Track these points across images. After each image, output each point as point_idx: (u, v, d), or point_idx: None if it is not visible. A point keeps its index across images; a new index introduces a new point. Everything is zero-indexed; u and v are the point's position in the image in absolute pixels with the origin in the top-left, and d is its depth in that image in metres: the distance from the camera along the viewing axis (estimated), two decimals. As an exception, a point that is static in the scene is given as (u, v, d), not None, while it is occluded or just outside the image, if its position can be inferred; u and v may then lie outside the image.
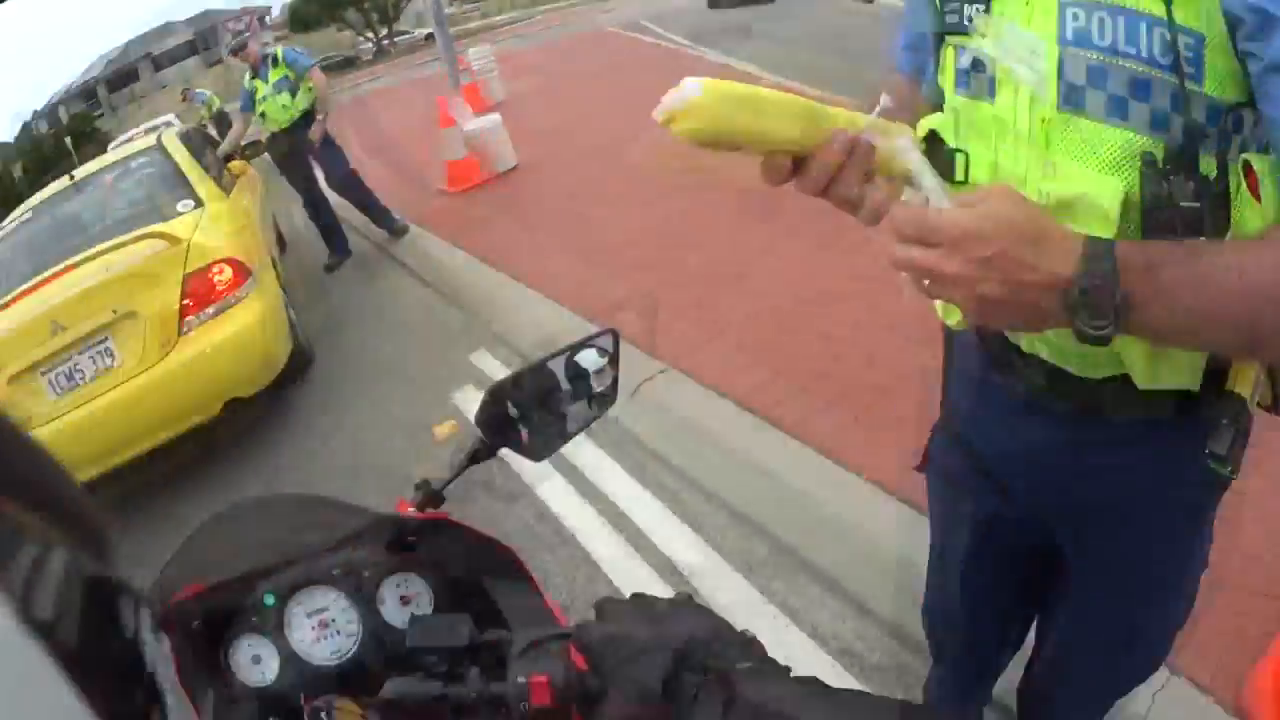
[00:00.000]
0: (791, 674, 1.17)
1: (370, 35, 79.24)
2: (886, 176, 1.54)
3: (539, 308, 7.68)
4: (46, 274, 6.97)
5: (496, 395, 1.90)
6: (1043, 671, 2.48)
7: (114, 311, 6.55)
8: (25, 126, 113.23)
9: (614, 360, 2.01)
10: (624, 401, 5.65)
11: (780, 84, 2.18)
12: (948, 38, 1.80)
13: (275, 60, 10.73)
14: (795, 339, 5.94)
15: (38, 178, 63.69)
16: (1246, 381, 1.63)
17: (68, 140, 44.81)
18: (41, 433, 6.47)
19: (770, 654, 1.22)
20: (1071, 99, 1.55)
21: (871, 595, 4.01)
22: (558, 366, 1.96)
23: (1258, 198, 1.49)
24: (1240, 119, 1.50)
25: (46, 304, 6.52)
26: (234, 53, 11.09)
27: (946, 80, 1.82)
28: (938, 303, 1.89)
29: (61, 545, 0.66)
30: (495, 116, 13.00)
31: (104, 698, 0.57)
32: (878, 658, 3.80)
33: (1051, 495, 2.01)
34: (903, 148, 1.44)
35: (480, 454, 1.92)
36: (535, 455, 1.95)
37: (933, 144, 1.77)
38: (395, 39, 76.97)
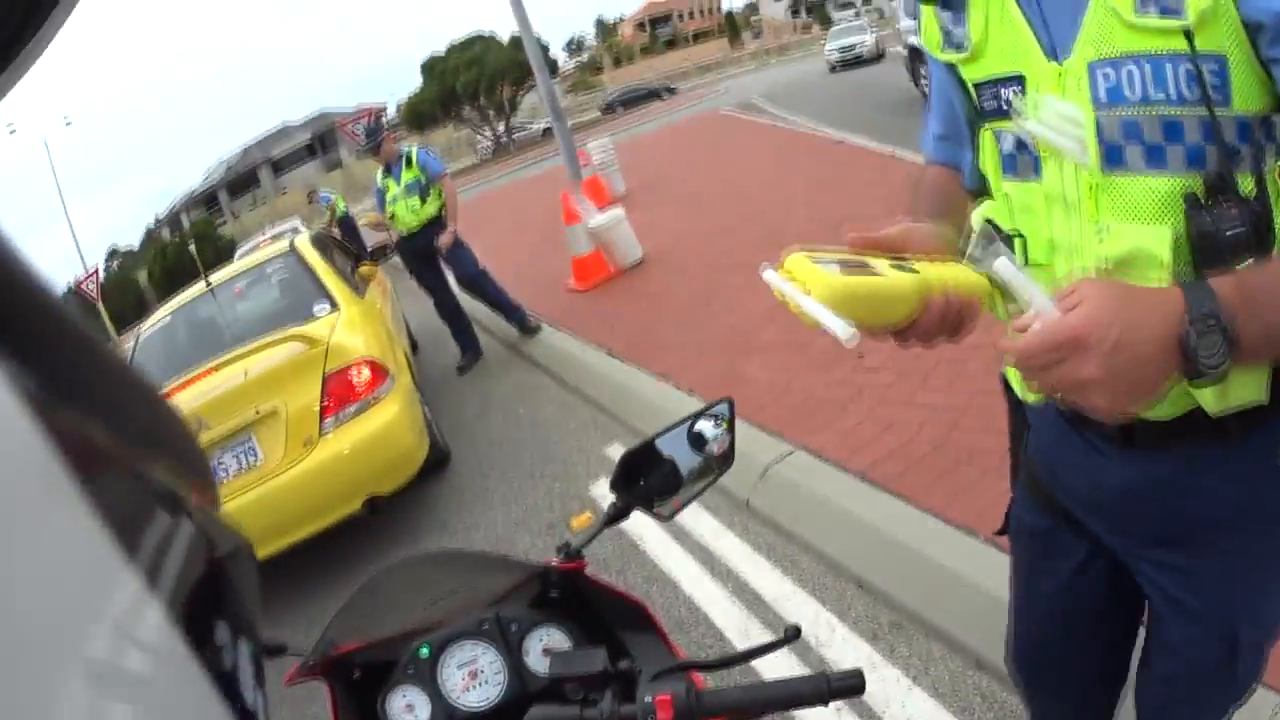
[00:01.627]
0: None
1: (488, 132, 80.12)
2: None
3: (670, 398, 7.75)
4: (189, 375, 7.20)
5: (628, 463, 2.03)
6: (1149, 698, 2.49)
7: (257, 411, 6.76)
8: (148, 233, 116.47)
9: (730, 427, 2.15)
10: (753, 483, 5.80)
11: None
12: (985, 123, 1.93)
13: (409, 161, 10.89)
14: (913, 411, 6.03)
15: (164, 284, 65.28)
16: None
17: (191, 247, 46.13)
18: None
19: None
20: (1113, 159, 1.67)
21: (990, 648, 4.08)
22: (679, 434, 2.10)
23: None
24: (1271, 127, 1.62)
25: (191, 403, 6.69)
26: (371, 150, 11.18)
27: (990, 166, 1.96)
28: (1014, 381, 2.14)
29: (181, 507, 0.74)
30: (618, 210, 13.13)
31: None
32: (995, 713, 3.90)
33: (1140, 533, 2.08)
34: (1001, 270, 1.53)
35: (616, 516, 2.06)
36: (663, 517, 2.09)
37: (990, 230, 1.86)
38: (514, 134, 77.72)
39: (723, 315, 9.28)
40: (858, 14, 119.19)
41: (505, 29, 74.05)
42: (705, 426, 2.12)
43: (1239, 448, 1.81)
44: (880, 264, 1.65)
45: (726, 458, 2.14)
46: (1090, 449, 2.03)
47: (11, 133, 72.48)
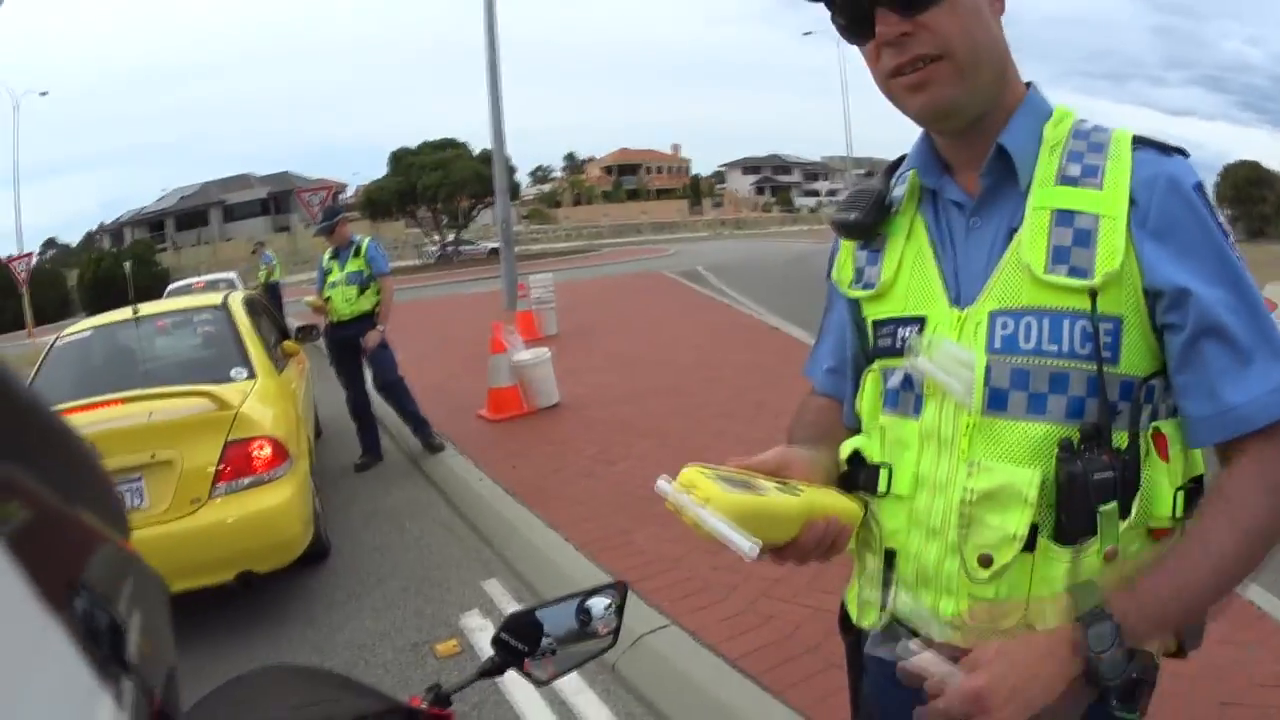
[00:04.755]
0: None
1: (437, 238, 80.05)
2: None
3: (557, 548, 7.74)
4: (95, 399, 7.10)
5: (512, 623, 2.06)
6: None
7: (153, 456, 6.71)
8: (89, 236, 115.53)
9: (619, 610, 2.17)
10: (623, 648, 5.74)
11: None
12: (877, 361, 2.05)
13: (358, 250, 10.98)
14: (795, 610, 6.05)
15: (91, 293, 64.74)
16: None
17: (127, 265, 46.11)
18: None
19: None
20: (995, 403, 1.78)
21: None
22: (569, 606, 2.12)
23: (1166, 459, 1.74)
24: (1152, 389, 1.76)
25: (89, 428, 6.53)
26: (326, 231, 11.26)
27: (869, 401, 2.05)
28: (852, 607, 2.15)
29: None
30: (545, 351, 13.26)
31: None
32: None
33: None
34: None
35: (490, 671, 2.06)
36: (537, 681, 2.10)
37: (855, 463, 2.02)
38: (460, 247, 77.77)
39: (625, 478, 9.31)
40: (819, 205, 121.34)
41: (478, 141, 73.99)
42: (595, 603, 2.16)
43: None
44: (767, 485, 1.75)
45: (610, 638, 2.17)
46: (918, 697, 1.96)
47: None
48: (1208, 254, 1.69)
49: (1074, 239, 1.72)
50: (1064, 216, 1.74)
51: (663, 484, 1.66)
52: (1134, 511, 1.72)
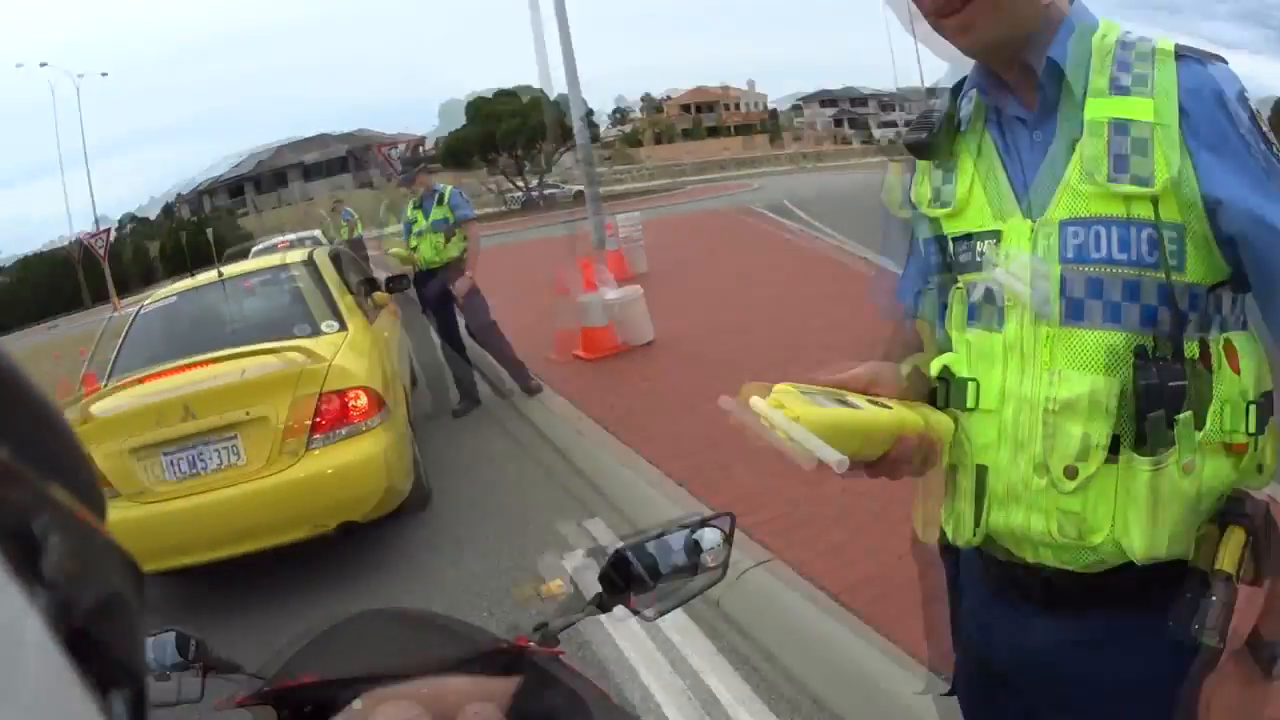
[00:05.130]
0: None
1: (520, 184, 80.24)
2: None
3: (658, 484, 7.73)
4: (188, 360, 7.20)
5: (618, 557, 2.01)
6: None
7: (247, 413, 6.76)
8: (167, 208, 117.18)
9: (728, 540, 2.10)
10: (728, 583, 5.67)
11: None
12: (960, 277, 2.07)
13: (441, 199, 10.99)
14: (896, 541, 5.93)
15: (174, 259, 65.58)
16: (1233, 560, 1.77)
17: (209, 231, 46.86)
18: (150, 510, 6.66)
19: None
20: (1073, 312, 1.84)
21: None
22: (677, 539, 2.07)
23: (1237, 371, 1.81)
24: (1220, 300, 1.84)
25: (183, 389, 6.72)
26: (406, 183, 11.35)
27: (955, 318, 2.07)
28: (947, 525, 2.17)
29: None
30: (637, 289, 13.18)
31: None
32: None
33: (1064, 691, 2.08)
34: None
35: (597, 608, 2.03)
36: (646, 618, 2.06)
37: (944, 379, 2.05)
38: (545, 191, 77.94)
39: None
40: (898, 135, 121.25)
41: (555, 87, 74.01)
42: (703, 535, 2.10)
43: (1156, 618, 1.86)
44: (859, 400, 1.80)
45: (719, 570, 2.12)
46: (1014, 611, 2.10)
47: (42, 65, 71.49)
48: (1257, 165, 1.75)
49: (1132, 148, 1.77)
50: (1121, 125, 1.79)
51: (755, 401, 1.69)
52: (1208, 423, 1.77)
